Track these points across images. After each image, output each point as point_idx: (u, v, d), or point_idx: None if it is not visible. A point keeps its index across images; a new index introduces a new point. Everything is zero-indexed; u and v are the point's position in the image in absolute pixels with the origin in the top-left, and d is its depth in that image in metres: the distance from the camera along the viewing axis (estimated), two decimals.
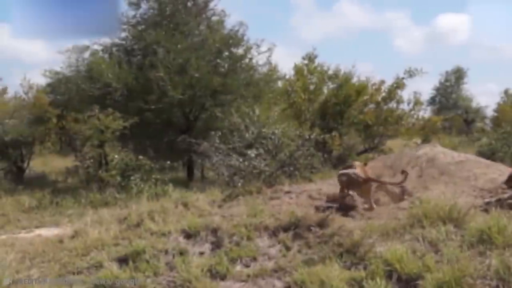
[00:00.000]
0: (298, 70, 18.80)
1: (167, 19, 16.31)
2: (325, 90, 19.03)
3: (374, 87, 18.52)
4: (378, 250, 5.76)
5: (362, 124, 18.56)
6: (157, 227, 7.20)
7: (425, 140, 18.62)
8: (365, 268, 5.49)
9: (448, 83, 37.57)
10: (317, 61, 18.91)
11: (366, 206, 7.25)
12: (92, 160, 13.91)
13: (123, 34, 16.24)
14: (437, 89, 37.66)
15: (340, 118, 18.11)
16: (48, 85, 18.59)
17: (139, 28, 16.13)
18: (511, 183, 6.88)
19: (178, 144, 14.62)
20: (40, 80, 21.71)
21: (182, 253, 6.39)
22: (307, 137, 12.44)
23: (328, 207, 7.19)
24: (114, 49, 16.37)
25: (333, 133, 15.77)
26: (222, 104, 15.80)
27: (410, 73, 18.22)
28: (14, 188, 14.27)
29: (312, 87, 18.61)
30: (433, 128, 20.58)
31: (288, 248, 6.31)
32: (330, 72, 19.06)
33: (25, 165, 17.21)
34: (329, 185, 8.46)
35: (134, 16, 16.39)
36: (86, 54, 16.28)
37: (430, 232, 5.86)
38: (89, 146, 15.29)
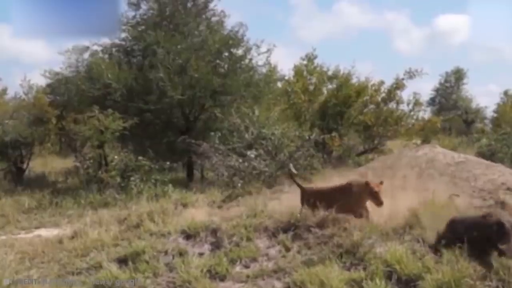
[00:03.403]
0: (297, 70, 18.80)
1: (167, 19, 16.29)
2: (325, 91, 19.01)
3: (373, 88, 18.50)
4: (378, 250, 5.77)
5: (362, 124, 18.52)
6: (156, 228, 7.21)
7: (425, 141, 18.58)
8: (364, 269, 5.50)
9: (448, 84, 37.55)
10: (316, 61, 18.94)
11: None
12: (91, 161, 13.89)
13: (123, 35, 16.20)
14: (437, 90, 37.63)
15: (339, 119, 18.07)
16: (48, 85, 18.55)
17: (139, 28, 16.09)
18: None
19: (178, 144, 14.60)
20: (40, 80, 21.63)
21: (181, 253, 6.40)
22: (307, 137, 12.45)
23: None
24: (114, 49, 16.34)
25: (333, 134, 15.74)
26: (222, 105, 15.78)
27: (410, 74, 18.21)
28: (13, 189, 14.24)
29: (311, 87, 18.60)
30: (432, 128, 20.53)
31: (287, 249, 6.32)
32: (330, 72, 19.06)
33: (25, 165, 17.15)
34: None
35: (134, 17, 16.37)
36: (86, 55, 16.24)
37: (430, 233, 5.87)
38: (88, 147, 15.28)
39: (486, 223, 5.20)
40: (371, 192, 6.53)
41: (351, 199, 6.70)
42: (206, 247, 6.62)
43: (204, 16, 16.70)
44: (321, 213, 6.72)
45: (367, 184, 6.63)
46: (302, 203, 7.18)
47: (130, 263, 6.19)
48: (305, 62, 18.81)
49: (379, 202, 6.50)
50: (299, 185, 7.63)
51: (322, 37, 58.78)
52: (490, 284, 4.87)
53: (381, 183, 6.62)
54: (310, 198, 7.04)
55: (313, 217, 6.73)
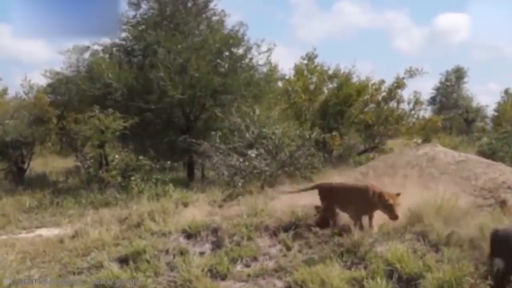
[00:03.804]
0: (298, 70, 18.81)
1: (167, 19, 16.29)
2: (325, 90, 19.02)
3: (374, 87, 18.50)
4: (379, 249, 5.78)
5: (362, 123, 18.53)
6: (157, 227, 7.22)
7: (426, 140, 18.59)
8: (365, 268, 5.51)
9: (448, 83, 37.50)
10: (317, 61, 18.95)
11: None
12: (92, 161, 13.89)
13: (123, 34, 16.17)
14: (438, 89, 37.57)
15: (340, 118, 18.08)
16: (49, 85, 18.52)
17: (139, 28, 16.09)
18: None
19: (179, 144, 14.60)
20: (41, 80, 21.60)
21: (182, 253, 6.41)
22: (308, 137, 12.43)
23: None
24: (114, 49, 16.33)
25: (334, 133, 15.75)
26: (223, 104, 15.77)
27: (411, 73, 18.22)
28: (14, 189, 14.25)
29: (312, 87, 18.61)
30: (433, 127, 20.52)
31: (288, 248, 6.32)
32: (330, 72, 19.06)
33: (26, 165, 17.16)
34: None
35: (134, 16, 16.36)
36: (87, 55, 16.22)
37: (431, 231, 5.87)
38: (89, 147, 15.27)
39: None
40: (385, 204, 6.15)
41: (364, 204, 6.40)
42: (207, 246, 6.62)
43: (204, 16, 16.70)
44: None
45: (381, 195, 6.21)
46: (321, 199, 6.91)
47: (131, 262, 6.20)
48: (305, 62, 18.82)
49: (393, 216, 6.11)
50: (312, 187, 7.32)
51: (322, 36, 58.79)
52: (491, 283, 4.87)
53: (398, 195, 6.23)
54: (326, 194, 6.83)
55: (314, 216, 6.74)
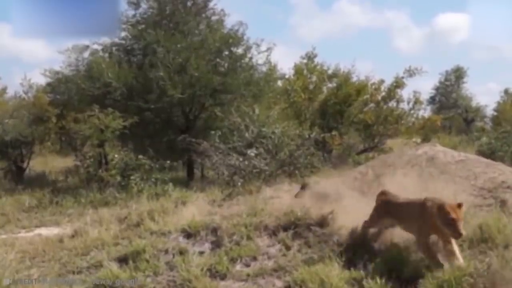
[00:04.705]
0: (297, 69, 18.84)
1: (167, 18, 16.30)
2: (325, 90, 19.05)
3: (373, 87, 18.53)
4: (378, 249, 5.77)
5: (362, 123, 18.57)
6: (157, 227, 7.21)
7: (425, 139, 18.62)
8: (365, 267, 5.50)
9: (448, 83, 37.54)
10: (316, 60, 19.00)
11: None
12: (92, 160, 13.89)
13: (123, 34, 16.18)
14: (437, 88, 37.63)
15: (340, 118, 18.12)
16: (48, 84, 18.50)
17: (139, 27, 16.08)
18: None
19: (178, 143, 14.59)
20: (40, 79, 21.61)
21: (182, 252, 6.40)
22: (307, 136, 12.45)
23: None
24: (113, 48, 16.33)
25: (333, 133, 15.78)
26: (222, 104, 15.79)
27: (410, 73, 18.25)
28: (14, 188, 14.24)
29: (311, 86, 18.64)
30: (433, 127, 20.58)
31: (288, 248, 6.32)
32: (330, 71, 19.10)
33: (25, 164, 17.18)
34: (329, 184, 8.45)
35: (134, 16, 16.36)
36: (86, 54, 16.21)
37: None
38: (89, 146, 15.28)
39: None
40: (445, 219, 4.95)
41: (421, 221, 5.31)
42: (207, 246, 6.62)
43: (204, 15, 16.70)
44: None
45: (440, 207, 5.02)
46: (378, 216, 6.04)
47: (130, 262, 6.19)
48: (305, 61, 18.88)
49: (456, 234, 4.93)
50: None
51: (322, 36, 58.96)
52: (491, 282, 4.87)
53: (459, 206, 5.01)
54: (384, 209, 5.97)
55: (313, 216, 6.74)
